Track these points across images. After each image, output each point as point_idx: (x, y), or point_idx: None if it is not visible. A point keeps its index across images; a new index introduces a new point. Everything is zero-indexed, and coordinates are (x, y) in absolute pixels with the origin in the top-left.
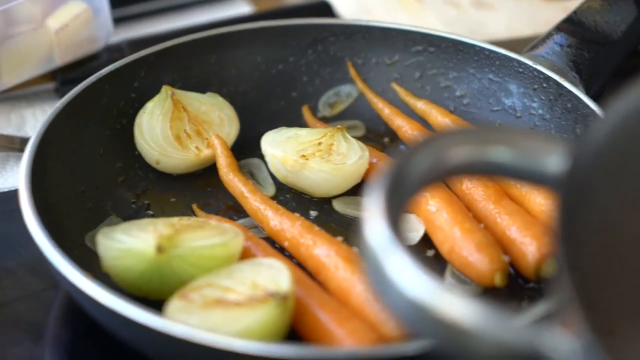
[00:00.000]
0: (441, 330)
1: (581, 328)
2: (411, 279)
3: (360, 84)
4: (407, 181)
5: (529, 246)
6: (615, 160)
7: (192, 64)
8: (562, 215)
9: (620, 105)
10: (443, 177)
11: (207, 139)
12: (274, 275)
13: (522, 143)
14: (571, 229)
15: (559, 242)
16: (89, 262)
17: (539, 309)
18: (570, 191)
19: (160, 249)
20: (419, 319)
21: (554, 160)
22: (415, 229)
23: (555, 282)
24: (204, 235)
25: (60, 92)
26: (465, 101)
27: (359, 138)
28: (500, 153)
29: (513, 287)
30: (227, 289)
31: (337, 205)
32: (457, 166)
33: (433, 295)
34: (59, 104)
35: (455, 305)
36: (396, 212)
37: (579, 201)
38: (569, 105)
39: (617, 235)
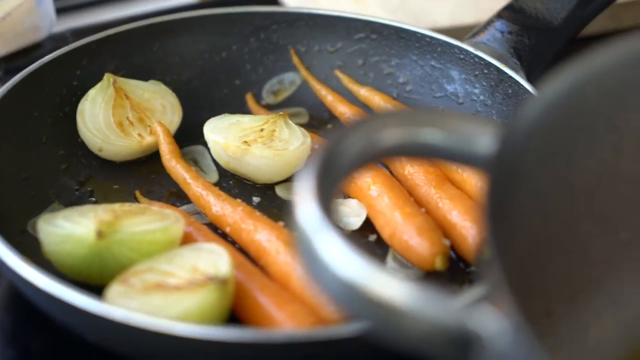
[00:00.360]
0: (373, 310)
1: (511, 309)
2: (343, 260)
3: (304, 72)
4: (339, 163)
5: (470, 230)
6: (545, 141)
7: (134, 52)
8: (491, 196)
9: (550, 87)
10: (375, 159)
11: (149, 126)
12: (214, 259)
13: (453, 125)
14: (501, 210)
15: (488, 223)
16: (32, 249)
17: (475, 291)
18: (499, 172)
19: (100, 234)
20: (351, 299)
21: (484, 141)
22: (357, 214)
23: (486, 264)
24: (144, 221)
25: (4, 81)
26: (408, 88)
27: (302, 125)
28: (431, 135)
29: (455, 270)
30: (168, 273)
31: (280, 191)
32: (389, 148)
33: (365, 275)
34: (0, 91)
35: (386, 285)
36: (328, 194)
37: (508, 182)
38: (510, 91)
39: (548, 216)
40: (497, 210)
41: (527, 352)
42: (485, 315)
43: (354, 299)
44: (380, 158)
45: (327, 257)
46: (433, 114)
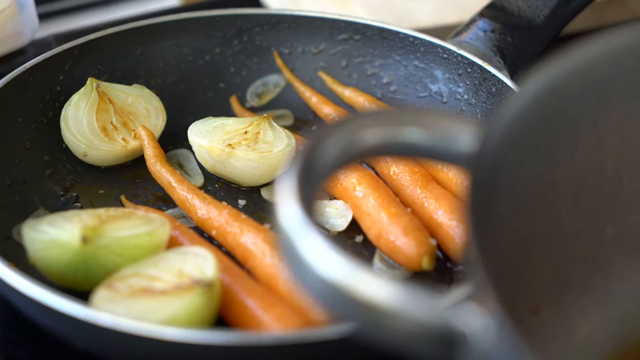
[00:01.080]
0: (358, 311)
1: (495, 307)
2: (326, 261)
3: (287, 74)
4: (320, 163)
5: (456, 229)
6: (527, 138)
7: (118, 56)
8: (474, 194)
9: (532, 83)
10: (357, 159)
11: (134, 130)
12: (200, 263)
13: (434, 123)
14: (484, 208)
15: (471, 221)
16: (17, 255)
17: (460, 290)
18: (481, 169)
19: (85, 240)
20: (336, 300)
21: (466, 138)
22: (343, 215)
23: (470, 263)
24: (129, 225)
25: None
26: (392, 88)
27: (287, 127)
28: (412, 133)
29: (442, 270)
30: (153, 277)
31: (265, 194)
32: (370, 147)
33: (348, 276)
34: None
35: (371, 286)
36: (309, 195)
37: (491, 180)
38: (494, 89)
39: (533, 214)
40: (480, 209)
41: (511, 350)
42: (469, 314)
43: (338, 300)
44: (362, 157)
45: (310, 258)
46: (414, 112)
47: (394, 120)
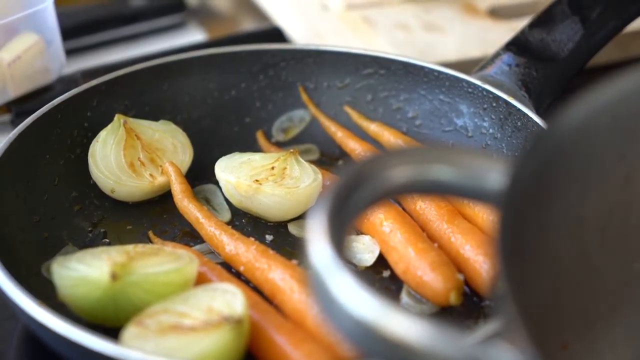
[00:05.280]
0: (388, 349)
1: (526, 344)
2: (356, 299)
3: (313, 108)
4: (351, 201)
5: (483, 264)
6: (556, 175)
7: (144, 92)
8: (503, 231)
9: (560, 121)
10: (386, 197)
11: (161, 166)
12: (229, 299)
13: (463, 161)
14: (513, 245)
15: (500, 258)
16: (46, 292)
17: (489, 327)
18: (510, 207)
19: (114, 277)
20: (366, 338)
21: (494, 176)
22: (370, 250)
23: (499, 299)
24: (158, 262)
25: (15, 124)
26: (417, 122)
27: (313, 162)
28: (441, 171)
29: (469, 305)
30: (183, 314)
31: (293, 229)
32: (400, 186)
33: (379, 314)
34: (12, 134)
35: (401, 324)
36: (340, 233)
37: (520, 217)
38: (519, 123)
39: (561, 250)
40: (510, 245)
41: None
42: (500, 352)
43: (368, 338)
44: (392, 196)
45: (341, 296)
46: (443, 150)
47: (423, 157)
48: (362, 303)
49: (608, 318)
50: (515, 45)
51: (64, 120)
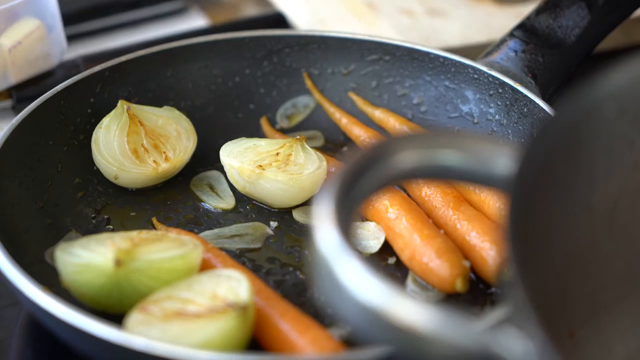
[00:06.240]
0: (395, 335)
1: (535, 330)
2: (364, 285)
3: (317, 95)
4: (357, 187)
5: (489, 251)
6: (563, 160)
7: (148, 78)
8: (512, 217)
9: (567, 107)
10: (393, 182)
11: (164, 152)
12: (234, 286)
13: (471, 146)
14: (521, 231)
15: (509, 244)
16: (50, 278)
17: (497, 313)
18: (519, 193)
19: (118, 263)
20: (372, 324)
21: (502, 162)
22: (376, 237)
23: (508, 285)
24: (162, 248)
25: (16, 110)
26: (422, 109)
27: (318, 148)
28: (448, 156)
29: (475, 292)
30: (187, 300)
31: (298, 216)
32: (407, 171)
33: (386, 300)
34: (14, 121)
35: (408, 310)
36: (346, 219)
37: (528, 203)
38: (525, 109)
39: (569, 237)
40: (518, 231)
41: None
42: (509, 338)
43: (375, 324)
44: (398, 181)
45: (348, 283)
46: (450, 135)
47: (430, 143)
48: (369, 288)
49: (616, 307)
50: (522, 31)
51: (67, 107)
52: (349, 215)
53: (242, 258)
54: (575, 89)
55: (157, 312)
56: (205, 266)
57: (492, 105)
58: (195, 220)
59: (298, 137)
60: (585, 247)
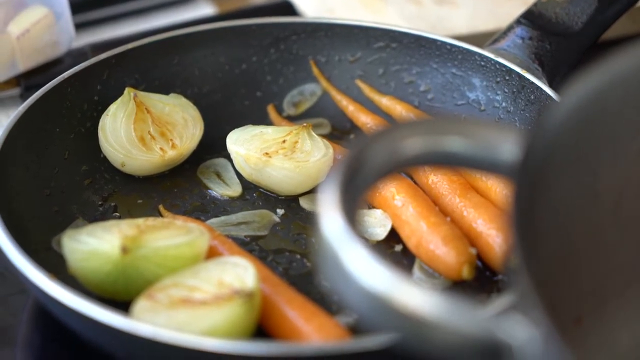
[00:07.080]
0: (401, 322)
1: (541, 317)
2: (369, 272)
3: (324, 82)
4: (363, 173)
5: (496, 238)
6: (569, 148)
7: (154, 65)
8: (517, 204)
9: (573, 93)
10: (399, 169)
11: (171, 140)
12: (240, 273)
13: (476, 132)
14: (527, 218)
15: (514, 231)
16: (57, 266)
17: (503, 300)
18: (524, 179)
19: (124, 250)
20: (378, 311)
21: (508, 148)
22: (382, 224)
23: (514, 272)
24: (169, 235)
25: (24, 98)
26: (429, 96)
27: (324, 136)
28: (455, 143)
29: (482, 279)
30: (193, 288)
31: (304, 203)
32: (412, 157)
33: (392, 287)
34: (21, 108)
35: (414, 297)
36: (352, 205)
37: (533, 189)
38: (532, 97)
39: (575, 224)
40: (523, 218)
41: None
42: (514, 325)
43: (380, 311)
44: (403, 167)
45: (354, 269)
46: (456, 122)
47: (435, 129)
48: (375, 275)
49: (622, 295)
50: (529, 19)
51: (74, 94)
52: (354, 202)
53: (248, 245)
54: (580, 75)
55: (163, 299)
56: (211, 253)
57: (499, 92)
58: (202, 208)
59: (305, 124)
60: (590, 234)
